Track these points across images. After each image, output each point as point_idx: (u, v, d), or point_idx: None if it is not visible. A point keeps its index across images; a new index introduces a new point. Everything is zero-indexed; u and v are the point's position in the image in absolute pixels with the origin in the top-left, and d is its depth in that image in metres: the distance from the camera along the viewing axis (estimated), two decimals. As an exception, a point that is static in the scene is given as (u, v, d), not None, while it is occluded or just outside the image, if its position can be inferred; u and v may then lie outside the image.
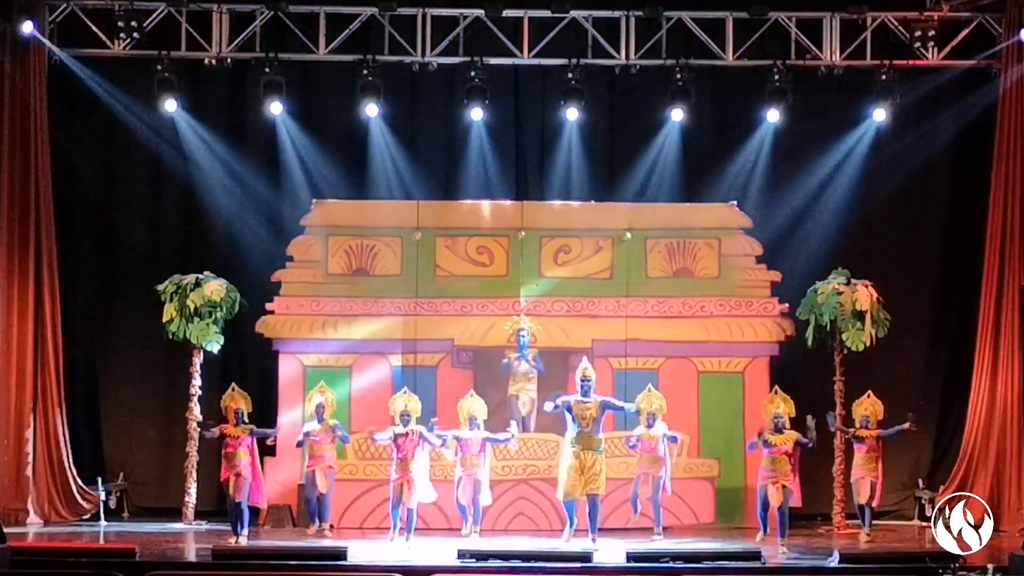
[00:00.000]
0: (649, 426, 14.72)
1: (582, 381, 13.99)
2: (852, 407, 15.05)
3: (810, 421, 14.25)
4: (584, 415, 13.81)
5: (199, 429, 15.18)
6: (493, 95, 16.38)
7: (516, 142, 17.24)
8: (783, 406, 14.29)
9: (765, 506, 14.13)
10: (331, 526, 15.10)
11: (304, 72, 16.82)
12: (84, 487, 16.05)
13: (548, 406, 14.15)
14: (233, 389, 14.51)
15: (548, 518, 15.02)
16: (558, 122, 16.79)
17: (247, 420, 14.30)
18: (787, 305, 16.18)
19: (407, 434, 14.16)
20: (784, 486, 13.97)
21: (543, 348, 15.93)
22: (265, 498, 14.68)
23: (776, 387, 14.67)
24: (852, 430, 14.89)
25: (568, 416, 13.93)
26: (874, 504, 14.82)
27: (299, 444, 14.99)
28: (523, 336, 15.77)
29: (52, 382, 15.91)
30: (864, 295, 15.56)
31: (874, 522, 15.00)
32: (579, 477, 13.77)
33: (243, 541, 13.90)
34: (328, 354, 16.16)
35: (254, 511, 14.56)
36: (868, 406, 14.90)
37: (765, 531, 14.12)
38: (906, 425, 14.75)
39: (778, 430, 14.12)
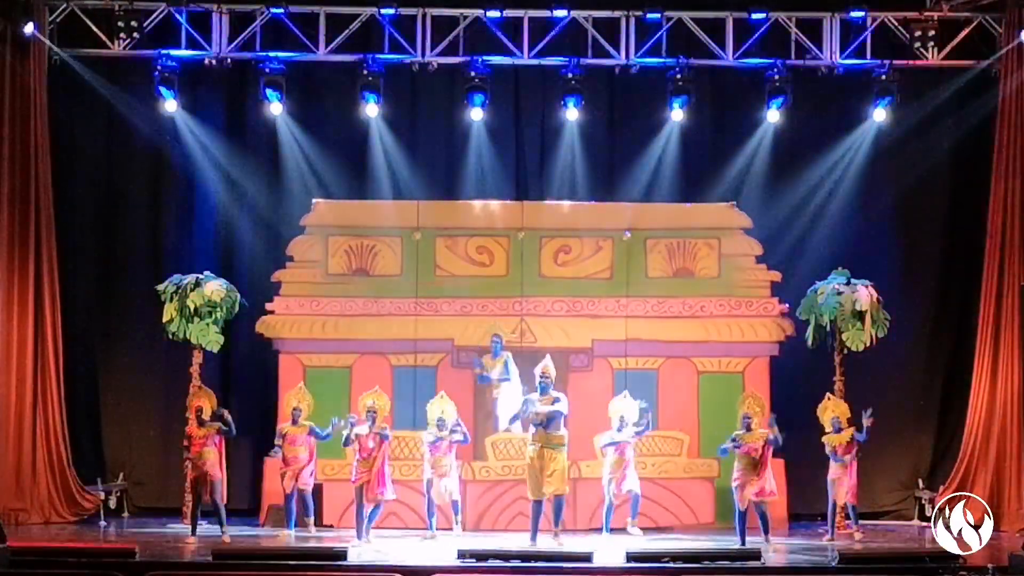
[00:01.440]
0: (619, 430, 14.76)
1: (541, 378, 14.01)
2: (818, 413, 14.97)
3: (866, 419, 14.42)
4: (540, 412, 13.85)
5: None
6: (493, 95, 16.38)
7: (516, 142, 17.24)
8: (753, 406, 14.24)
9: (741, 511, 14.02)
10: (329, 525, 15.10)
11: (304, 72, 16.82)
12: (84, 487, 16.06)
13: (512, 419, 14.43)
14: (200, 388, 14.53)
15: (548, 518, 14.97)
16: (558, 122, 16.79)
17: (210, 419, 14.39)
18: (787, 305, 16.17)
19: (373, 434, 14.19)
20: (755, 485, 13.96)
21: (543, 348, 15.91)
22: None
23: (749, 390, 14.78)
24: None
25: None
26: (852, 502, 14.77)
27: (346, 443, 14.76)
28: (496, 342, 15.76)
29: (52, 382, 15.92)
30: (864, 295, 15.56)
31: (874, 522, 15.00)
32: (538, 477, 13.83)
33: (227, 539, 14.02)
34: (328, 354, 16.16)
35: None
36: (832, 408, 14.86)
37: (743, 541, 13.89)
38: (868, 422, 14.65)
39: (748, 429, 14.10)
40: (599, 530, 15.04)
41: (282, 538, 14.59)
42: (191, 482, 14.48)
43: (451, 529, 14.64)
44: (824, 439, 14.74)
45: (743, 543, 13.81)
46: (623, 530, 14.85)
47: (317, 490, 15.20)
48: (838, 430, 14.69)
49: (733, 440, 14.11)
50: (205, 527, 14.75)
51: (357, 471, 14.23)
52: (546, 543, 13.76)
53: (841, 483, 14.63)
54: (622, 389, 15.49)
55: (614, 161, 17.27)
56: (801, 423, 14.89)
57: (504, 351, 15.78)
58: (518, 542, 13.76)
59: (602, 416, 15.40)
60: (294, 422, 14.94)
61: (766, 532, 14.01)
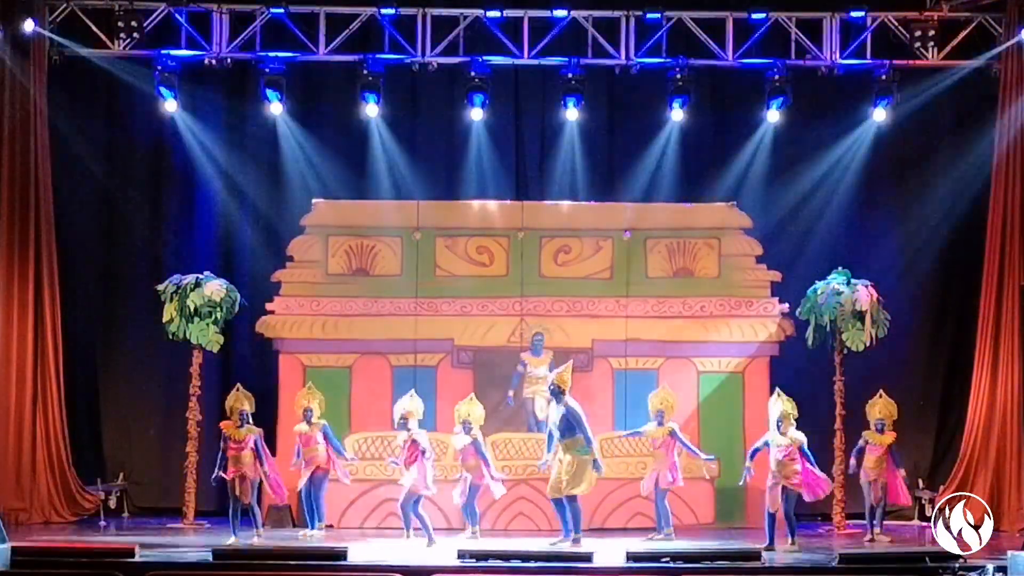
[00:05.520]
0: (659, 424, 14.69)
1: (551, 387, 13.95)
2: (866, 408, 14.99)
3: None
4: (555, 420, 13.81)
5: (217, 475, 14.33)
6: (493, 95, 16.38)
7: (516, 142, 17.25)
8: (785, 408, 14.18)
9: (772, 513, 13.95)
10: (329, 526, 15.09)
11: (304, 72, 16.82)
12: (84, 487, 16.05)
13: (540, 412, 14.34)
14: (238, 390, 14.46)
15: (548, 518, 15.00)
16: (558, 122, 16.80)
17: (251, 421, 14.26)
18: (787, 305, 16.17)
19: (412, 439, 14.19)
20: (786, 488, 13.91)
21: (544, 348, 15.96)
22: (286, 491, 14.62)
23: (777, 389, 14.59)
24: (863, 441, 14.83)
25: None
26: (883, 503, 14.78)
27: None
28: (539, 341, 15.75)
29: (52, 382, 15.92)
30: (864, 295, 15.55)
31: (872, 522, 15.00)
32: (560, 478, 13.78)
33: (258, 540, 13.89)
34: (328, 354, 16.16)
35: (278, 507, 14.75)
36: (883, 407, 14.84)
37: (771, 543, 13.73)
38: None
39: (781, 433, 14.05)
40: (599, 530, 15.05)
41: (310, 537, 14.58)
42: (228, 482, 14.16)
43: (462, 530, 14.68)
44: (865, 434, 14.72)
45: (771, 544, 13.68)
46: (622, 530, 14.83)
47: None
48: (881, 430, 14.67)
49: (766, 443, 14.05)
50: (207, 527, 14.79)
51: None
52: (546, 543, 13.74)
53: (877, 484, 14.61)
54: (622, 389, 15.49)
55: (614, 161, 17.28)
56: (801, 423, 14.86)
57: (546, 350, 15.74)
58: (518, 542, 13.76)
59: (602, 416, 15.43)
60: (307, 423, 14.88)
61: (792, 535, 13.89)
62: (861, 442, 14.76)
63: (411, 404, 14.38)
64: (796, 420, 14.10)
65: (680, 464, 14.68)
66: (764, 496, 14.03)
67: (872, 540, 14.51)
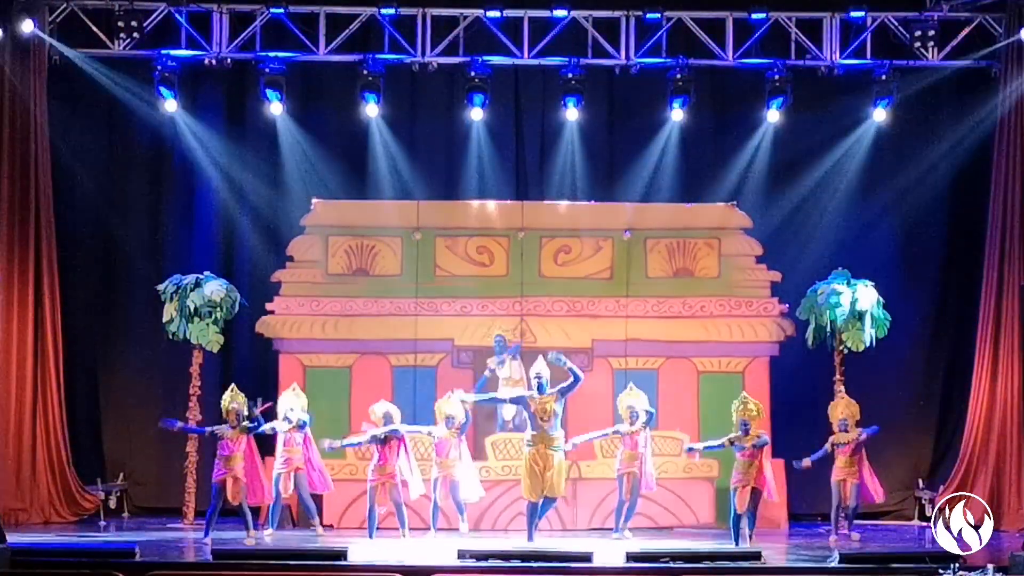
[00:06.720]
0: (632, 423, 14.69)
1: (536, 378, 13.99)
2: (828, 410, 14.99)
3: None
4: (544, 409, 13.83)
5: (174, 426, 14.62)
6: (493, 95, 16.38)
7: (516, 142, 17.24)
8: (751, 411, 14.16)
9: (737, 514, 13.97)
10: (329, 525, 15.09)
11: (304, 72, 16.82)
12: (84, 487, 16.05)
13: (508, 412, 14.26)
14: (232, 390, 14.45)
15: (548, 518, 14.98)
16: (558, 122, 16.80)
17: (245, 421, 14.27)
18: (787, 305, 16.17)
19: (387, 437, 14.23)
20: (754, 488, 13.91)
21: (544, 348, 15.89)
22: (268, 495, 14.64)
23: (744, 393, 14.61)
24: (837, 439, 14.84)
25: (527, 414, 14.02)
26: (853, 504, 14.76)
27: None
28: (499, 342, 15.74)
29: (52, 382, 15.92)
30: (864, 295, 15.56)
31: (874, 522, 15.01)
32: (537, 479, 13.82)
33: (252, 541, 13.90)
34: (328, 354, 16.15)
35: (254, 510, 14.57)
36: (844, 408, 14.86)
37: (737, 543, 13.84)
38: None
39: (746, 434, 14.05)
40: (599, 530, 15.05)
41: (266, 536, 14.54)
42: (218, 483, 14.10)
43: (456, 529, 14.67)
44: (831, 438, 14.72)
45: (737, 544, 13.78)
46: (611, 529, 14.81)
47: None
48: (844, 430, 14.69)
49: (732, 444, 14.05)
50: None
51: (375, 473, 14.29)
52: (550, 544, 13.73)
53: (845, 484, 14.62)
54: (622, 389, 15.47)
55: (614, 161, 17.27)
56: (801, 423, 14.89)
57: (506, 352, 15.73)
58: (518, 542, 13.76)
59: (601, 416, 15.41)
60: (289, 422, 14.84)
61: (750, 533, 13.94)
62: (828, 446, 14.72)
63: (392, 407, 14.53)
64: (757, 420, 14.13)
65: (652, 467, 14.70)
66: (733, 497, 14.01)
67: (852, 538, 14.50)
